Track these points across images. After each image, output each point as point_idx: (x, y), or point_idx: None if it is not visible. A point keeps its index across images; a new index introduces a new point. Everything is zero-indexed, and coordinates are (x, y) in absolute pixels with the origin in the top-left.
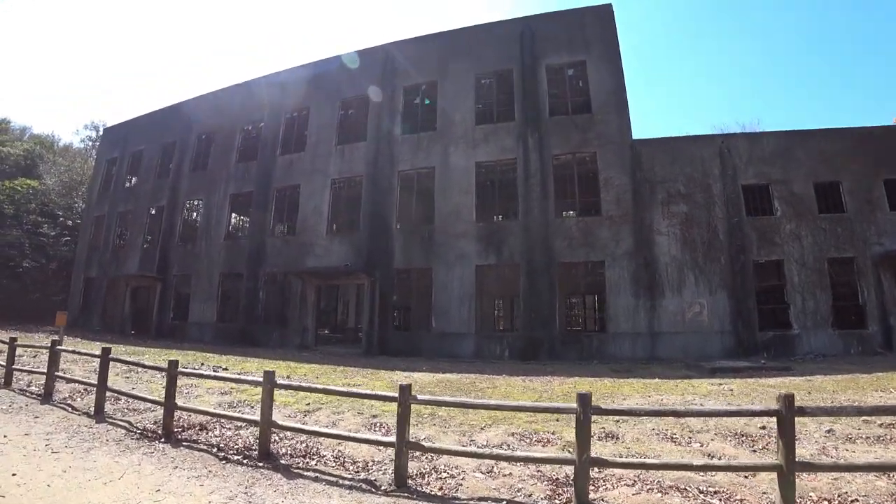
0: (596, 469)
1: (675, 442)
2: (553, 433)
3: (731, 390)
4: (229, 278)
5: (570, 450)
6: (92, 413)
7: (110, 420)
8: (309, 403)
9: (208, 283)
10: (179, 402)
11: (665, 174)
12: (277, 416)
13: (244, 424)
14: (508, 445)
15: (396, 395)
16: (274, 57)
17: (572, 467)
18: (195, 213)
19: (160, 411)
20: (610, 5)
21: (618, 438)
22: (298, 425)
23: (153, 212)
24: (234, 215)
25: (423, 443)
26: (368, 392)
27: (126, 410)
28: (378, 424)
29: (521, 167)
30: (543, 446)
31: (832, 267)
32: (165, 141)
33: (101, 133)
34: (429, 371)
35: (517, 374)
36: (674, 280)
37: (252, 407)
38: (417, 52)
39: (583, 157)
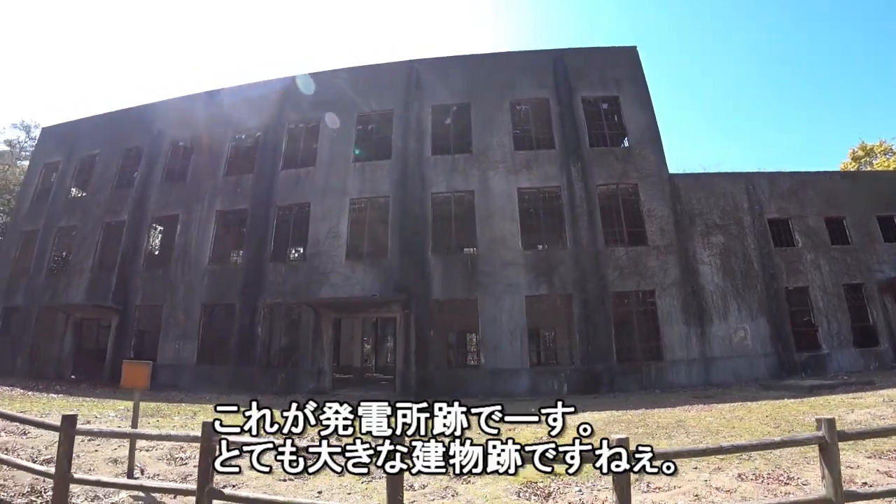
0: None
1: None
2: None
3: (893, 401)
4: (215, 310)
5: None
6: None
7: None
8: None
9: (186, 316)
10: None
11: (701, 207)
12: None
13: None
14: None
15: None
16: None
17: None
18: (167, 231)
19: None
20: (635, 48)
21: None
22: None
23: (108, 229)
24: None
25: None
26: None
27: None
28: None
29: (565, 195)
30: None
31: (847, 292)
32: (128, 146)
33: (32, 133)
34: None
35: (653, 406)
36: (719, 307)
37: None
38: (445, 72)
39: (626, 188)
